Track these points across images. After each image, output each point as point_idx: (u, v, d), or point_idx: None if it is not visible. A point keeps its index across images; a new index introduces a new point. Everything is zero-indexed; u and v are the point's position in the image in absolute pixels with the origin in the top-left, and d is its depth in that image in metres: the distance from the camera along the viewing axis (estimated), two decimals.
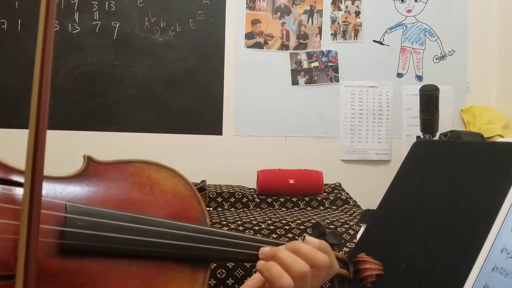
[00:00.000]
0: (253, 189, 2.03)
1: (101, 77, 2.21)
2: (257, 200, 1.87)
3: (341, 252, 0.59)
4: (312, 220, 1.51)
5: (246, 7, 2.30)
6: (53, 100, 2.24)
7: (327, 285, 0.56)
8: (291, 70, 2.32)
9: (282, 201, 1.88)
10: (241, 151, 2.29)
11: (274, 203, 1.87)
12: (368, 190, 1.89)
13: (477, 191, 0.68)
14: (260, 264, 0.48)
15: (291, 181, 1.93)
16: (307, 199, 1.90)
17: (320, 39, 2.33)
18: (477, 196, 0.67)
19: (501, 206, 0.58)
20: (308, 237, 0.51)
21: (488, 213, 0.60)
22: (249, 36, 2.30)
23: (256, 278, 0.54)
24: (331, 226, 1.46)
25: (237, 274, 1.19)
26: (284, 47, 2.32)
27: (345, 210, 1.79)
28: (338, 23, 2.34)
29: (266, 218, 1.53)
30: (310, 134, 2.34)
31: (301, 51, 2.32)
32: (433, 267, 0.64)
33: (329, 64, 2.33)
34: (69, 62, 2.19)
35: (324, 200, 1.90)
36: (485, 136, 1.90)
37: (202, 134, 2.28)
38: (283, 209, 1.84)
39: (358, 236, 0.82)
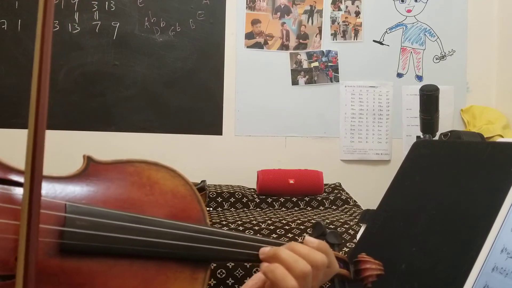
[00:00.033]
0: (253, 189, 2.03)
1: (101, 77, 2.21)
2: (257, 200, 1.87)
3: (341, 252, 0.59)
4: (312, 220, 1.51)
5: (246, 7, 2.30)
6: (53, 100, 2.24)
7: (327, 285, 0.56)
8: (291, 70, 2.32)
9: (282, 201, 1.88)
10: (241, 151, 2.29)
11: (274, 203, 1.87)
12: (368, 190, 1.89)
13: (477, 191, 0.68)
14: (264, 266, 0.48)
15: (291, 181, 1.93)
16: (307, 199, 1.90)
17: (320, 39, 2.33)
18: (477, 196, 0.67)
19: (501, 206, 0.58)
20: (307, 237, 0.51)
21: (488, 213, 0.60)
22: (249, 36, 2.30)
23: (256, 278, 0.54)
24: (331, 226, 1.46)
25: (237, 274, 1.19)
26: (284, 47, 2.32)
27: (345, 210, 1.79)
28: (338, 23, 2.34)
29: (266, 218, 1.53)
30: (310, 134, 2.34)
31: (301, 51, 2.32)
32: (433, 267, 0.64)
33: (329, 64, 2.33)
34: (69, 62, 2.19)
35: (324, 200, 1.90)
36: (485, 136, 1.90)
37: (202, 134, 2.28)
38: (283, 209, 1.84)
39: (358, 236, 0.82)
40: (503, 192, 0.59)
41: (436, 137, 1.90)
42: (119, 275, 0.42)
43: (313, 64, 2.33)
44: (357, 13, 2.34)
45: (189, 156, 2.25)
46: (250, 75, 2.30)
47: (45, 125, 0.35)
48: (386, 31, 2.36)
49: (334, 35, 2.33)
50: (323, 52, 2.33)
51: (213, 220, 1.53)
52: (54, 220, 0.40)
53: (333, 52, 2.33)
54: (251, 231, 1.39)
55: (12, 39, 2.15)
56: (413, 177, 0.81)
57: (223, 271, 1.19)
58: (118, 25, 2.21)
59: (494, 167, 0.68)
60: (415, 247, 0.68)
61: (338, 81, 2.34)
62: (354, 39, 2.34)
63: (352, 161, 2.36)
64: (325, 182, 2.00)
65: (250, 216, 1.61)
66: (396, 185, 0.83)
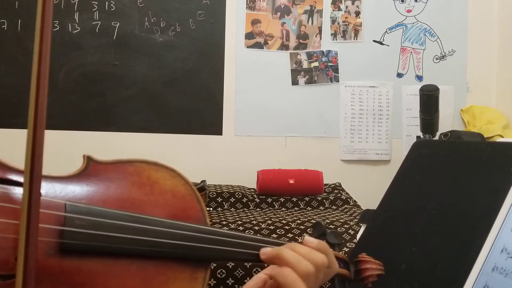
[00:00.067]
0: (253, 189, 2.03)
1: (101, 77, 2.21)
2: (257, 200, 1.87)
3: (341, 252, 0.59)
4: (312, 220, 1.51)
5: (246, 7, 2.30)
6: (53, 100, 2.24)
7: (327, 285, 0.56)
8: (291, 70, 2.32)
9: (282, 201, 1.88)
10: (241, 151, 2.29)
11: (274, 203, 1.87)
12: (368, 190, 1.89)
13: (477, 191, 0.68)
14: (274, 269, 0.47)
15: (291, 181, 1.93)
16: (307, 199, 1.90)
17: (320, 39, 2.33)
18: (477, 196, 0.67)
19: (501, 206, 0.58)
20: (306, 237, 0.51)
21: (488, 213, 0.60)
22: (249, 36, 2.30)
23: (257, 278, 0.54)
24: (331, 226, 1.46)
25: (237, 274, 1.19)
26: (284, 47, 2.32)
27: (345, 210, 1.79)
28: (338, 23, 2.34)
29: (266, 218, 1.53)
30: (310, 134, 2.34)
31: (301, 51, 2.32)
32: (433, 267, 0.64)
33: (329, 64, 2.33)
34: (69, 62, 2.19)
35: (324, 200, 1.90)
36: (485, 136, 1.90)
37: (202, 134, 2.28)
38: (283, 209, 1.84)
39: (358, 236, 0.82)
40: (503, 192, 0.59)
41: (436, 137, 1.90)
42: (118, 275, 0.42)
43: (313, 64, 2.33)
44: (357, 13, 2.34)
45: (189, 156, 2.25)
46: (250, 75, 2.30)
47: (44, 124, 0.35)
48: (386, 31, 2.36)
49: (334, 35, 2.34)
50: (323, 52, 2.33)
51: (213, 220, 1.53)
52: (54, 220, 0.40)
53: (333, 52, 2.33)
54: (251, 231, 1.39)
55: (12, 39, 2.15)
56: (413, 177, 0.81)
57: (223, 271, 1.19)
58: (118, 25, 2.21)
59: (494, 167, 0.68)
60: (415, 247, 0.68)
61: (338, 81, 2.34)
62: (354, 39, 2.34)
63: (352, 161, 2.36)
64: (325, 182, 2.00)
65: (250, 216, 1.61)
66: (396, 185, 0.83)
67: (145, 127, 2.25)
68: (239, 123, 2.30)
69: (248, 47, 2.30)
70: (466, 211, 0.67)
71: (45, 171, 0.37)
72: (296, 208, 1.85)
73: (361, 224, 0.83)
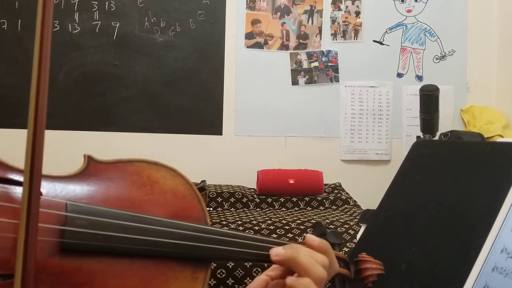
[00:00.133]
0: (253, 189, 2.03)
1: (101, 77, 2.21)
2: (257, 200, 1.87)
3: (341, 252, 0.59)
4: (312, 220, 1.51)
5: (246, 7, 2.30)
6: (53, 100, 2.24)
7: (328, 285, 0.56)
8: (291, 70, 2.33)
9: (282, 201, 1.88)
10: (241, 151, 2.29)
11: (274, 203, 1.87)
12: (368, 190, 1.89)
13: (477, 191, 0.68)
14: (295, 281, 0.46)
15: (291, 181, 1.93)
16: (307, 199, 1.90)
17: (320, 39, 2.33)
18: (477, 196, 0.67)
19: (501, 206, 0.58)
20: (308, 236, 0.51)
21: (488, 213, 0.60)
22: (249, 36, 2.30)
23: (259, 279, 0.53)
24: (331, 226, 1.46)
25: (237, 274, 1.19)
26: (284, 47, 2.32)
27: (345, 210, 1.79)
28: (338, 23, 2.34)
29: (266, 218, 1.53)
30: (310, 134, 2.34)
31: (301, 51, 2.32)
32: (433, 267, 0.64)
33: (329, 64, 2.33)
34: (69, 62, 2.19)
35: (324, 200, 1.90)
36: (485, 136, 1.90)
37: (202, 134, 2.28)
38: (283, 209, 1.84)
39: (358, 236, 0.82)
40: (503, 192, 0.59)
41: (436, 137, 1.90)
42: (119, 275, 0.42)
43: (313, 64, 2.33)
44: (357, 13, 2.34)
45: (189, 156, 2.25)
46: (250, 75, 2.30)
47: (44, 124, 0.35)
48: (386, 31, 2.36)
49: (334, 35, 2.34)
50: (323, 52, 2.33)
51: (213, 220, 1.53)
52: (54, 219, 0.40)
53: (333, 52, 2.33)
54: (251, 231, 1.39)
55: (12, 39, 2.15)
56: (413, 177, 0.81)
57: (223, 271, 1.19)
58: (118, 25, 2.21)
59: (494, 167, 0.68)
60: (415, 247, 0.68)
61: (338, 81, 2.34)
62: (354, 39, 2.34)
63: (352, 161, 2.36)
64: (325, 182, 2.00)
65: (250, 216, 1.61)
66: (396, 185, 0.83)
67: (145, 127, 2.25)
68: (239, 123, 2.30)
69: (248, 47, 2.30)
70: (466, 211, 0.67)
71: (45, 171, 0.37)
72: (296, 208, 1.85)
73: (361, 224, 0.83)
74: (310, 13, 2.33)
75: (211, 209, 1.77)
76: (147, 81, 2.24)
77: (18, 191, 0.39)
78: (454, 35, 2.37)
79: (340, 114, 2.34)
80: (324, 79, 2.34)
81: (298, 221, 1.48)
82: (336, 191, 2.01)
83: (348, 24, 2.34)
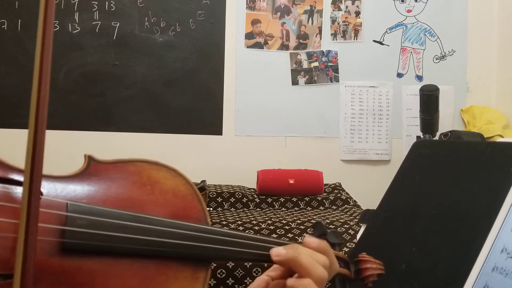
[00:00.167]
0: (253, 189, 2.03)
1: (101, 77, 2.21)
2: (257, 200, 1.87)
3: (341, 252, 0.59)
4: (312, 220, 1.51)
5: (246, 7, 2.30)
6: (53, 100, 2.24)
7: (328, 285, 0.56)
8: (291, 70, 2.33)
9: (282, 201, 1.88)
10: (241, 151, 2.29)
11: (274, 203, 1.87)
12: (368, 190, 1.89)
13: (477, 191, 0.68)
14: (295, 282, 0.46)
15: (291, 181, 1.93)
16: (307, 199, 1.90)
17: (320, 39, 2.33)
18: (477, 196, 0.67)
19: (501, 206, 0.58)
20: (307, 237, 0.51)
21: (488, 213, 0.60)
22: (249, 36, 2.30)
23: (259, 280, 0.53)
24: (331, 226, 1.46)
25: (237, 274, 1.19)
26: (284, 47, 2.32)
27: (345, 210, 1.79)
28: (338, 23, 2.34)
29: (266, 218, 1.53)
30: (310, 134, 2.34)
31: (301, 51, 2.32)
32: (433, 267, 0.64)
33: (329, 64, 2.33)
34: (69, 62, 2.19)
35: (324, 200, 1.90)
36: (485, 136, 1.90)
37: (202, 134, 2.28)
38: (283, 209, 1.84)
39: (358, 236, 0.82)
40: (503, 192, 0.59)
41: (436, 137, 1.90)
42: (119, 275, 0.42)
43: (313, 64, 2.33)
44: (357, 13, 2.34)
45: (189, 156, 2.25)
46: (250, 75, 2.30)
47: (45, 124, 0.35)
48: (386, 31, 2.36)
49: (334, 35, 2.34)
50: (323, 52, 2.33)
51: (213, 220, 1.53)
52: (55, 219, 0.40)
53: (333, 52, 2.33)
54: (251, 231, 1.39)
55: (12, 39, 2.15)
56: (413, 177, 0.81)
57: (223, 271, 1.19)
58: (118, 25, 2.21)
59: (494, 167, 0.68)
60: (415, 247, 0.68)
61: (338, 81, 2.34)
62: (354, 39, 2.34)
63: (352, 161, 2.36)
64: (325, 182, 2.00)
65: (250, 216, 1.61)
66: (396, 185, 0.83)
67: (145, 127, 2.25)
68: (239, 123, 2.30)
69: (248, 47, 2.30)
70: (466, 211, 0.67)
71: (45, 170, 0.37)
72: (296, 208, 1.85)
73: (361, 224, 0.83)
74: (310, 13, 2.33)
75: (211, 209, 1.77)
76: (147, 81, 2.24)
77: (18, 191, 0.39)
78: (454, 35, 2.37)
79: (340, 114, 2.34)
80: (324, 79, 2.34)
81: (298, 221, 1.48)
82: (336, 191, 2.01)
83: (348, 24, 2.34)
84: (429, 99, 1.85)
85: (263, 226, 1.43)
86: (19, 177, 0.40)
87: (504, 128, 2.13)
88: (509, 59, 2.28)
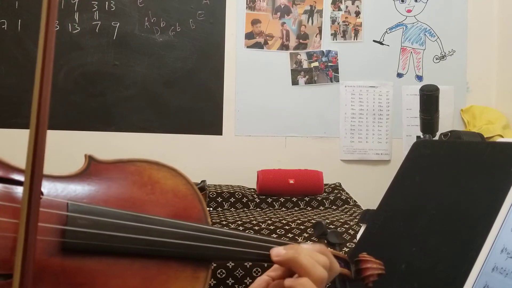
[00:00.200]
0: (253, 189, 2.03)
1: (101, 77, 2.21)
2: (257, 200, 1.87)
3: (341, 252, 0.59)
4: (312, 220, 1.51)
5: (246, 7, 2.30)
6: (53, 100, 2.25)
7: (328, 285, 0.56)
8: (291, 70, 2.33)
9: (282, 201, 1.88)
10: (241, 151, 2.29)
11: (274, 203, 1.87)
12: (368, 190, 1.89)
13: (477, 191, 0.68)
14: (292, 281, 0.46)
15: (291, 181, 1.93)
16: (307, 199, 1.90)
17: (320, 39, 2.33)
18: (477, 196, 0.67)
19: (501, 206, 0.58)
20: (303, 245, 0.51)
21: (488, 213, 0.60)
22: (249, 36, 2.30)
23: (260, 280, 0.53)
24: (331, 226, 1.46)
25: (237, 274, 1.19)
26: (284, 47, 2.32)
27: (345, 210, 1.79)
28: (338, 23, 2.34)
29: (266, 218, 1.53)
30: (310, 134, 2.34)
31: (301, 51, 2.32)
32: (433, 267, 0.64)
33: (329, 64, 2.33)
34: (69, 62, 2.19)
35: (324, 200, 1.90)
36: (485, 136, 1.90)
37: (202, 134, 2.28)
38: (283, 209, 1.84)
39: (358, 236, 0.82)
40: (503, 192, 0.59)
41: (436, 137, 1.90)
42: (119, 274, 0.42)
43: (313, 64, 2.33)
44: (357, 13, 2.34)
45: (189, 156, 2.25)
46: (250, 75, 2.30)
47: (46, 124, 0.35)
48: (386, 31, 2.36)
49: (334, 35, 2.34)
50: (323, 52, 2.33)
51: (213, 220, 1.53)
52: (56, 219, 0.40)
53: (333, 52, 2.33)
54: (251, 231, 1.39)
55: (12, 39, 2.15)
56: (413, 177, 0.81)
57: (223, 271, 1.19)
58: (118, 25, 2.21)
59: (494, 167, 0.68)
60: (415, 247, 0.68)
61: (338, 81, 2.34)
62: (354, 39, 2.34)
63: (352, 161, 2.36)
64: (325, 182, 2.00)
65: (250, 216, 1.61)
66: (396, 185, 0.83)
67: (145, 127, 2.25)
68: (239, 123, 2.30)
69: (248, 47, 2.30)
70: (466, 211, 0.67)
71: (45, 170, 0.37)
72: (296, 208, 1.85)
73: (361, 224, 0.83)
74: (310, 13, 2.33)
75: (211, 209, 1.77)
76: (147, 81, 2.24)
77: (19, 190, 0.40)
78: (454, 35, 2.37)
79: (340, 114, 2.34)
80: (324, 79, 2.34)
81: (298, 221, 1.48)
82: (336, 191, 2.01)
83: (348, 24, 2.34)
84: (429, 99, 1.85)
85: (263, 226, 1.43)
86: (20, 177, 0.40)
87: (504, 128, 2.13)
88: (509, 59, 2.28)
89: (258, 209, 1.82)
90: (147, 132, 2.25)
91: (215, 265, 1.18)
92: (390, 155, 2.36)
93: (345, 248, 1.24)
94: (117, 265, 0.42)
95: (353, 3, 2.34)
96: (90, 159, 0.47)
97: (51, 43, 0.35)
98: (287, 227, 1.42)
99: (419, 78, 2.37)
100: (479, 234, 0.59)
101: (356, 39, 2.35)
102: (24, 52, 2.15)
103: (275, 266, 0.52)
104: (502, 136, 2.04)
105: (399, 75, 2.37)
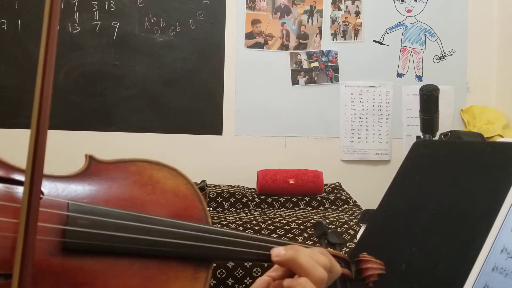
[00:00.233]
0: (253, 189, 2.03)
1: (101, 77, 2.21)
2: (257, 200, 1.87)
3: (341, 252, 0.59)
4: (312, 220, 1.51)
5: (246, 7, 2.30)
6: (53, 100, 2.26)
7: (328, 285, 0.56)
8: (291, 70, 2.33)
9: (282, 201, 1.88)
10: (241, 151, 2.29)
11: (274, 203, 1.87)
12: (368, 190, 1.89)
13: (477, 191, 0.68)
14: (291, 282, 0.46)
15: (291, 181, 1.93)
16: (307, 199, 1.90)
17: (320, 39, 2.33)
18: (477, 196, 0.67)
19: (501, 206, 0.58)
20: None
21: (488, 213, 0.60)
22: (249, 36, 2.30)
23: (260, 280, 0.53)
24: (331, 226, 1.46)
25: (237, 274, 1.19)
26: (284, 47, 2.32)
27: (345, 210, 1.79)
28: (338, 23, 2.34)
29: (266, 218, 1.53)
30: (310, 134, 2.34)
31: (301, 51, 2.32)
32: (433, 267, 0.64)
33: (329, 64, 2.33)
34: (69, 62, 2.19)
35: (324, 200, 1.90)
36: (485, 136, 1.90)
37: (202, 134, 2.28)
38: (283, 209, 1.84)
39: (358, 236, 0.82)
40: (503, 192, 0.59)
41: (436, 137, 1.90)
42: (120, 274, 0.42)
43: (313, 64, 2.33)
44: (357, 13, 2.34)
45: (189, 156, 2.25)
46: (250, 75, 2.30)
47: (47, 125, 0.35)
48: (386, 31, 2.36)
49: (334, 35, 2.34)
50: (323, 52, 2.33)
51: (213, 220, 1.53)
52: (56, 219, 0.40)
53: (333, 52, 2.33)
54: (251, 231, 1.39)
55: (12, 39, 2.15)
56: (413, 177, 0.81)
57: (223, 271, 1.19)
58: (118, 25, 2.21)
59: (494, 167, 0.68)
60: (415, 247, 0.69)
61: (338, 81, 2.34)
62: (354, 39, 2.34)
63: (352, 161, 2.36)
64: (325, 182, 2.00)
65: (250, 216, 1.61)
66: (396, 185, 0.83)
67: (145, 127, 2.25)
68: (239, 123, 2.30)
69: (248, 47, 2.30)
70: (466, 211, 0.67)
71: (45, 170, 0.37)
72: (296, 208, 1.85)
73: (361, 224, 0.83)
74: (310, 13, 2.33)
75: (211, 209, 1.78)
76: (147, 81, 2.24)
77: (19, 190, 0.40)
78: (454, 35, 2.37)
79: (340, 114, 2.34)
80: (324, 79, 2.34)
81: (298, 221, 1.48)
82: (336, 191, 2.01)
83: (348, 24, 2.34)
84: (429, 99, 1.85)
85: (263, 226, 1.43)
86: (20, 177, 0.40)
87: (504, 128, 2.13)
88: (509, 59, 2.28)
89: (258, 209, 1.82)
90: (147, 132, 2.25)
91: (215, 265, 1.18)
92: (390, 155, 2.36)
93: (345, 248, 1.24)
94: (117, 265, 0.42)
95: (353, 3, 2.34)
96: (91, 159, 0.47)
97: (52, 44, 0.35)
98: (287, 227, 1.42)
99: (419, 78, 2.37)
100: (479, 234, 0.59)
101: (356, 39, 2.35)
102: (24, 52, 2.15)
103: (276, 266, 0.52)
104: (502, 136, 2.04)
105: (399, 75, 2.37)
